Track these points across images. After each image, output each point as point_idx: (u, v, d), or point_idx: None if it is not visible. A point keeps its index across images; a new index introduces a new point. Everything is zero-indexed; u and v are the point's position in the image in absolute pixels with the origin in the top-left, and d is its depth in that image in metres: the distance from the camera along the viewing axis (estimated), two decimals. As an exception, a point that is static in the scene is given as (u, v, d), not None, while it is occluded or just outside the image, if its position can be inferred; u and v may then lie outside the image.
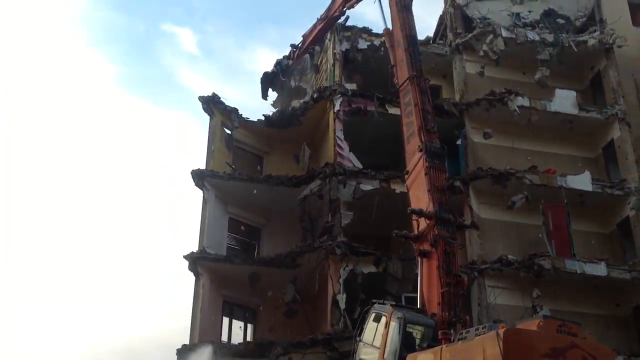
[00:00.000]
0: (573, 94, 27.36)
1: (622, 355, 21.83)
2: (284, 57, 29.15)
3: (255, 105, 75.25)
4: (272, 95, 30.85)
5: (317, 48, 29.30)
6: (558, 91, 27.23)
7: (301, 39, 28.13)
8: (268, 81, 29.77)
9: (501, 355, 11.84)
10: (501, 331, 12.15)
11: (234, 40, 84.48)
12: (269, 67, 29.73)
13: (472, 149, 26.18)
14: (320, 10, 26.68)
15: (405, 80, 18.97)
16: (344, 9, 25.55)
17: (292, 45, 28.54)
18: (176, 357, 22.47)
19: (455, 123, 26.13)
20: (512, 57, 28.08)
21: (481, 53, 27.99)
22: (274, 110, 30.14)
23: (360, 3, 24.94)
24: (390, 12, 20.43)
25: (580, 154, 27.59)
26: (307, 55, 29.17)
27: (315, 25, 27.00)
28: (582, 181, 25.46)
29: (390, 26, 20.55)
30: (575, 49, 28.25)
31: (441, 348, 13.54)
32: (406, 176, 18.14)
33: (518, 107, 26.39)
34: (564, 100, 27.11)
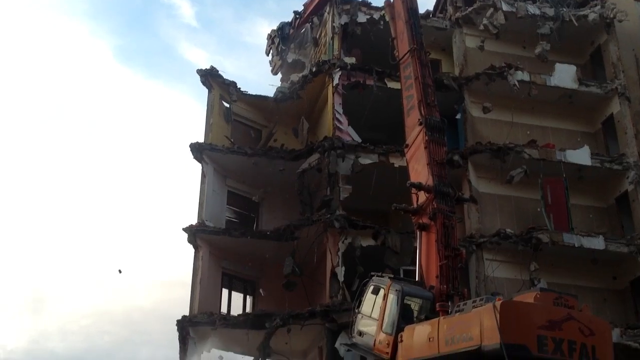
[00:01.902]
0: (573, 68, 27.27)
1: (619, 328, 22.01)
2: (288, 22, 28.98)
3: (255, 78, 74.83)
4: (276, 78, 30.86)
5: (316, 21, 29.11)
6: (558, 65, 27.14)
7: (302, 7, 27.93)
8: (271, 41, 29.78)
9: (498, 327, 11.95)
10: (498, 303, 12.27)
11: (232, 12, 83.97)
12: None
13: (471, 123, 26.15)
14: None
15: (406, 53, 18.91)
16: None
17: (296, 12, 28.36)
18: (176, 327, 22.62)
19: (454, 97, 26.05)
20: (512, 31, 27.97)
21: (481, 27, 27.81)
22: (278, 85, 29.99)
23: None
24: (391, -16, 20.30)
25: (579, 128, 27.59)
26: (307, 27, 29.01)
27: None
28: (581, 155, 25.46)
29: (391, -2, 20.43)
30: (576, 23, 28.09)
31: (439, 320, 13.66)
32: (406, 150, 18.15)
33: (518, 81, 26.30)
34: (564, 75, 27.02)
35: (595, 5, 28.58)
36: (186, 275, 24.26)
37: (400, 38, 19.40)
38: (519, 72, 26.53)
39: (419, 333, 13.92)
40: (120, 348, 64.70)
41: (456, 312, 13.74)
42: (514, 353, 11.85)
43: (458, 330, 12.95)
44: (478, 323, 12.53)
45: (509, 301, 13.07)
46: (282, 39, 28.84)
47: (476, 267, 22.93)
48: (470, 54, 27.70)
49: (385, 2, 21.09)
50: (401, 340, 14.29)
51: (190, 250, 24.28)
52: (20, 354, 63.64)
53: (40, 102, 74.64)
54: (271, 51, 29.88)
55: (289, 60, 30.37)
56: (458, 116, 26.24)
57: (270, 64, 30.33)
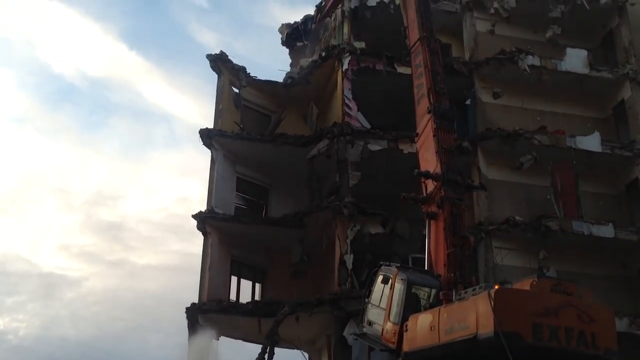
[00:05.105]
0: (584, 52, 26.95)
1: (627, 317, 21.96)
2: (311, 17, 28.90)
3: (265, 61, 74.65)
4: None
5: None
6: (569, 50, 26.84)
7: (322, 2, 27.76)
8: (293, 38, 29.74)
9: (492, 314, 11.89)
10: (493, 291, 12.22)
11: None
12: (284, 21, 29.93)
13: (481, 109, 25.92)
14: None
15: (416, 42, 18.79)
16: None
17: (317, 6, 28.23)
18: (185, 315, 22.72)
19: (464, 83, 25.82)
20: (523, 15, 27.71)
21: (492, 10, 27.60)
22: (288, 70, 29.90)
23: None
24: (401, -29, 20.12)
25: (590, 114, 27.30)
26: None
27: None
28: (592, 142, 25.21)
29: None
30: (587, 7, 27.69)
31: (439, 309, 13.64)
32: (416, 138, 18.09)
33: (528, 66, 26.07)
34: (575, 59, 26.72)
35: (607, -12, 28.21)
36: (196, 261, 24.39)
37: (412, 27, 19.31)
38: (530, 57, 26.27)
39: (422, 322, 13.89)
40: (131, 334, 65.30)
41: (457, 300, 13.73)
42: (509, 341, 11.73)
43: (456, 318, 12.89)
44: (474, 311, 12.45)
45: (504, 288, 13.01)
46: (304, 34, 28.73)
47: (485, 255, 22.85)
48: (480, 38, 27.42)
49: (397, -9, 20.89)
50: (406, 330, 14.29)
51: (200, 236, 24.41)
52: (31, 340, 64.31)
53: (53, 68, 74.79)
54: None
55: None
56: (468, 102, 26.02)
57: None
